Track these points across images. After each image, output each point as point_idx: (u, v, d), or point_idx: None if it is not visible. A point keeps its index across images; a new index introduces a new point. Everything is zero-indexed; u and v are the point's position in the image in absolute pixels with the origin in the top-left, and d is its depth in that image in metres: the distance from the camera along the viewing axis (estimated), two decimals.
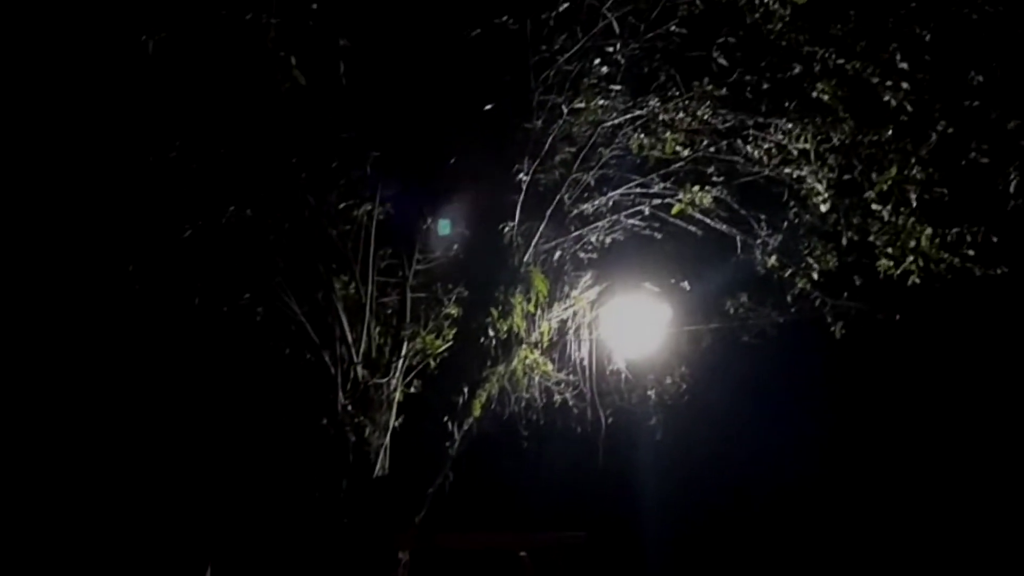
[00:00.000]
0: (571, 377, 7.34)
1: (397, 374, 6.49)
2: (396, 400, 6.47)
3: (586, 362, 7.10)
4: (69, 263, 6.23)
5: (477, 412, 6.35)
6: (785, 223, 6.76)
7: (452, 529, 6.03)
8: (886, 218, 6.66)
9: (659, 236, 6.69)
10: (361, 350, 6.40)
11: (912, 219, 6.64)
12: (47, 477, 7.77)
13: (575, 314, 6.93)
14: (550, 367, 6.82)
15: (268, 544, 5.61)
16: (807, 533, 9.77)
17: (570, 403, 7.08)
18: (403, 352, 6.55)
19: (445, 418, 6.16)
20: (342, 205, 6.42)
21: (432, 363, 6.80)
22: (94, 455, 7.86)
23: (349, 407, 6.16)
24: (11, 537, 7.39)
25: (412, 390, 6.82)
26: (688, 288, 7.02)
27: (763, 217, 6.66)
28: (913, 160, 6.36)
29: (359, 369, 6.31)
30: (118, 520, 7.63)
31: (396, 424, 6.46)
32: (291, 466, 6.06)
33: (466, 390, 6.24)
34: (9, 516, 7.44)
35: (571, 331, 6.92)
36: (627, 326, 7.02)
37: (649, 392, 7.86)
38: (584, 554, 5.81)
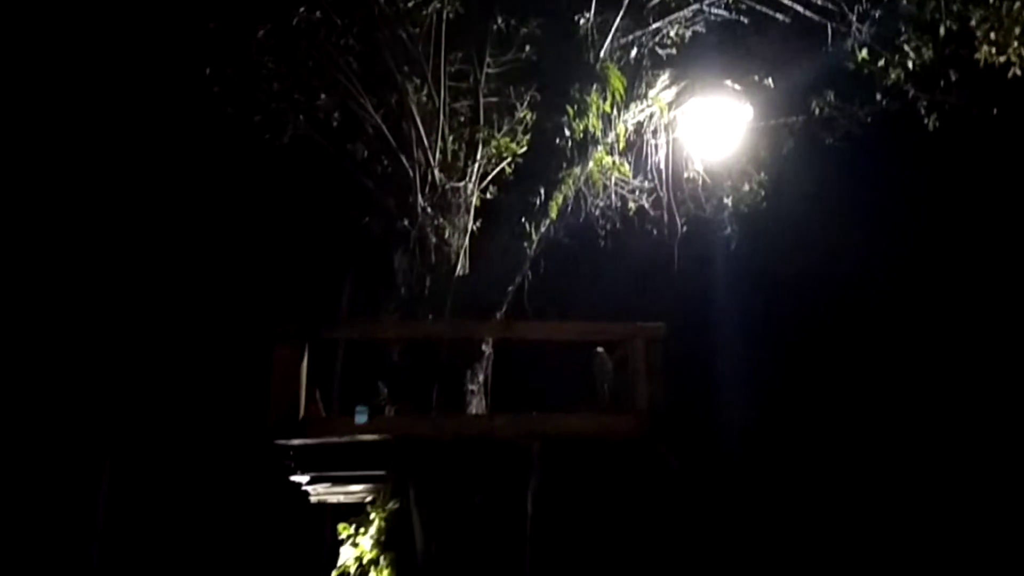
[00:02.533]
0: (647, 183, 7.26)
1: (473, 178, 6.51)
2: (473, 204, 6.53)
3: (662, 166, 6.99)
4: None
5: (554, 214, 6.36)
6: (879, 10, 6.34)
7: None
8: (990, 1, 6.24)
9: (744, 21, 6.31)
10: (437, 155, 6.40)
11: (1018, 3, 6.19)
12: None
13: (652, 115, 6.75)
14: (626, 168, 6.74)
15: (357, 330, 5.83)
16: (882, 349, 9.72)
17: (646, 207, 7.04)
18: (478, 156, 6.53)
19: (522, 219, 6.21)
20: (411, 2, 6.23)
21: (508, 169, 6.79)
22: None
23: (429, 209, 6.24)
24: None
25: (489, 196, 6.86)
26: (771, 85, 6.72)
27: (856, 2, 6.23)
28: None
29: (436, 173, 6.33)
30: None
31: (475, 227, 6.55)
32: (373, 266, 6.23)
33: (542, 191, 6.24)
34: None
35: (648, 133, 6.78)
36: (706, 127, 6.81)
37: (726, 200, 7.74)
38: (662, 347, 5.91)
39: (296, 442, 5.08)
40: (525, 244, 6.21)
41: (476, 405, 6.05)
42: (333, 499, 6.15)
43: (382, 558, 5.45)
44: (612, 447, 5.73)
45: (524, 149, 6.57)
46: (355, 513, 5.85)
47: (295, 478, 5.63)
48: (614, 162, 6.66)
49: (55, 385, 9.12)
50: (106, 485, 9.42)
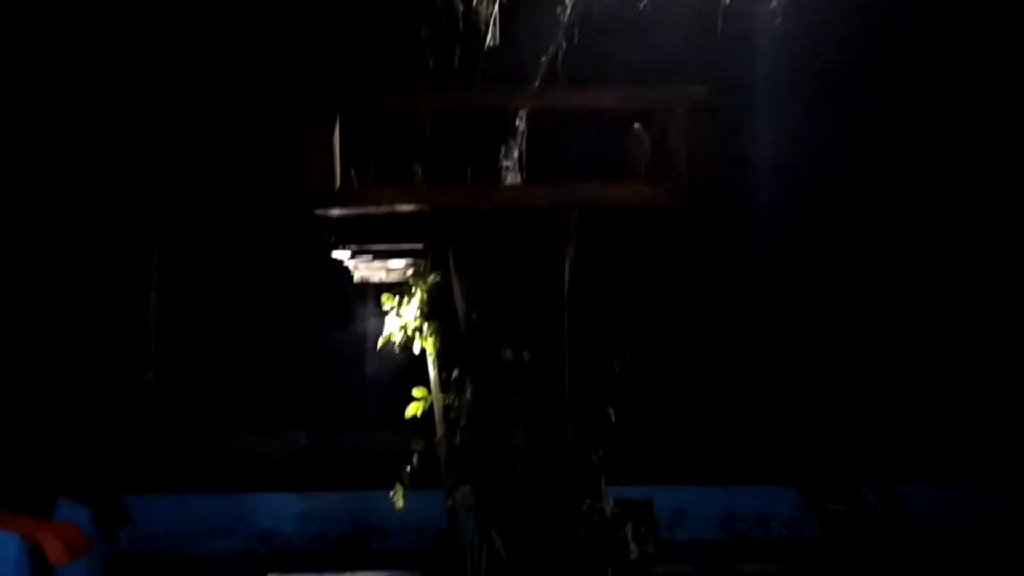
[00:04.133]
0: None
1: None
2: None
3: None
4: None
5: None
6: None
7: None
8: None
9: None
10: None
11: None
12: None
13: None
14: None
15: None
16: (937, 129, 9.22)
17: None
18: None
19: None
20: None
21: None
22: None
23: None
24: None
25: None
26: None
27: None
28: None
29: None
30: None
31: None
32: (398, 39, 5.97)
33: None
34: None
35: None
36: None
37: None
38: (705, 113, 5.70)
39: (335, 212, 5.12)
40: (558, 10, 5.92)
41: (511, 182, 6.01)
42: (375, 278, 6.30)
43: (426, 327, 5.66)
44: (649, 217, 5.71)
45: None
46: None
47: (336, 254, 5.73)
48: None
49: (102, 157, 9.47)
50: (156, 256, 9.87)
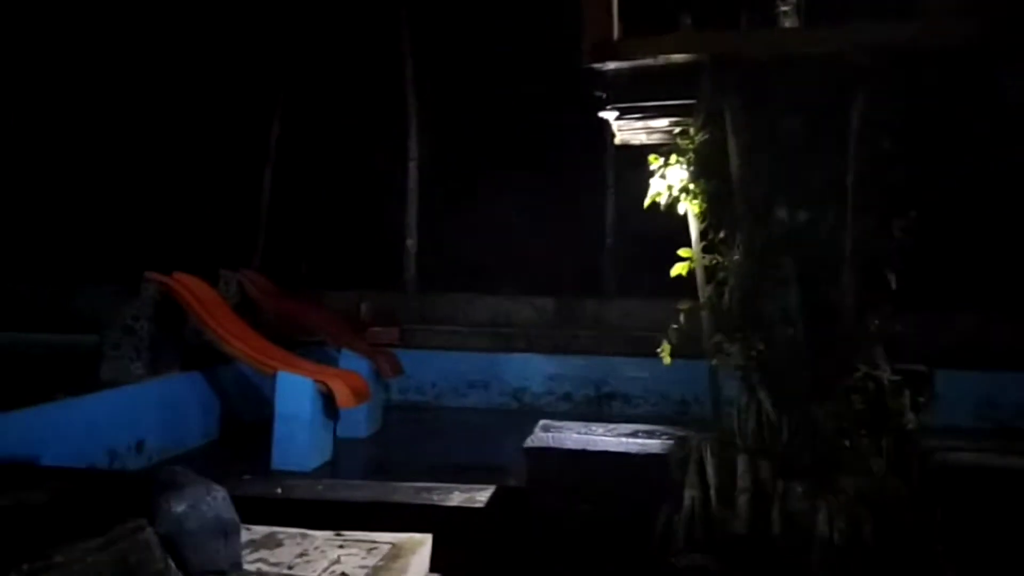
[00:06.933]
0: None
1: None
2: None
3: None
4: None
5: None
6: None
7: None
8: None
9: None
10: None
11: None
12: None
13: None
14: None
15: None
16: None
17: None
18: None
19: None
20: None
21: None
22: None
23: None
24: None
25: None
26: None
27: None
28: None
29: None
30: None
31: None
32: None
33: None
34: None
35: None
36: None
37: None
38: None
39: (611, 66, 5.03)
40: None
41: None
42: (636, 140, 6.20)
43: (692, 186, 5.54)
44: (947, 62, 5.11)
45: None
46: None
47: (603, 114, 5.69)
48: None
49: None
50: (413, 124, 10.39)
